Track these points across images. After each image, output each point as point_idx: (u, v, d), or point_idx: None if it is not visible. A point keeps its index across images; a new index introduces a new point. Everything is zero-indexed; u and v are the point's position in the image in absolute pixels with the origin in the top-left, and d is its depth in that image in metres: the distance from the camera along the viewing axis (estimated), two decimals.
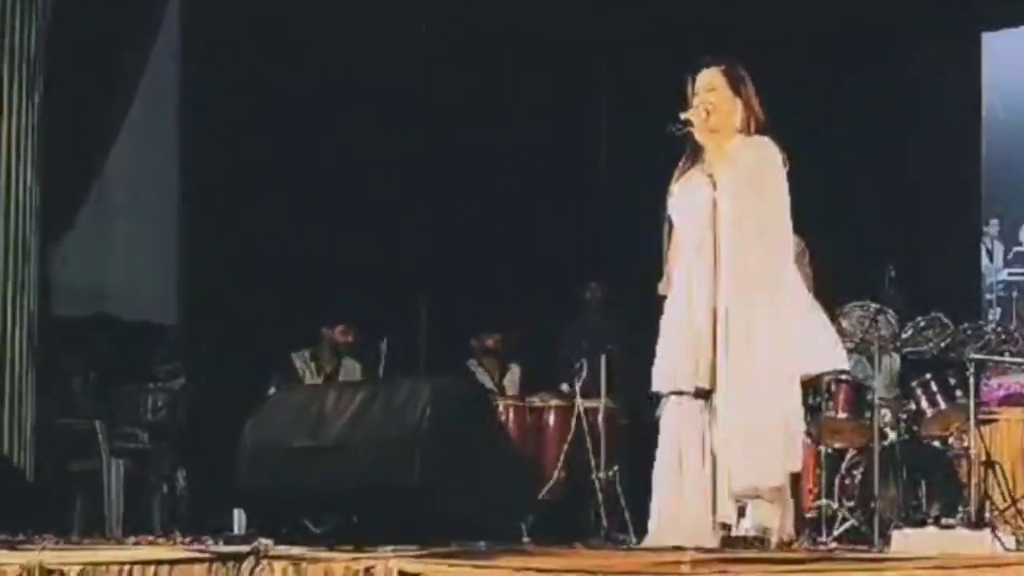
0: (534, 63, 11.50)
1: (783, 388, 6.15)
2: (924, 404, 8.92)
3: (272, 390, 9.34)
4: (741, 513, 6.04)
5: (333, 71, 11.08)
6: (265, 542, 5.43)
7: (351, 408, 7.09)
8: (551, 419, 9.66)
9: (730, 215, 6.16)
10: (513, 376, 10.75)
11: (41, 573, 5.48)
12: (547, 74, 11.53)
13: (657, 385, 6.32)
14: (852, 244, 10.23)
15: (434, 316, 10.97)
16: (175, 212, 11.10)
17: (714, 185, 6.21)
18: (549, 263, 11.32)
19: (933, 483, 8.67)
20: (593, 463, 9.14)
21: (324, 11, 10.83)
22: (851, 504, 8.62)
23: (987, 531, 6.94)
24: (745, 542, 5.90)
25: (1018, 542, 6.87)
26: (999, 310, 11.12)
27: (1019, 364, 9.19)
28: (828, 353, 6.32)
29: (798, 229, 6.36)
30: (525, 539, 7.54)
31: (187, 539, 6.46)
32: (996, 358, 8.95)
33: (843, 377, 8.98)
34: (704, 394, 6.18)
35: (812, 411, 8.41)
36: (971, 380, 8.60)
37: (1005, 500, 8.66)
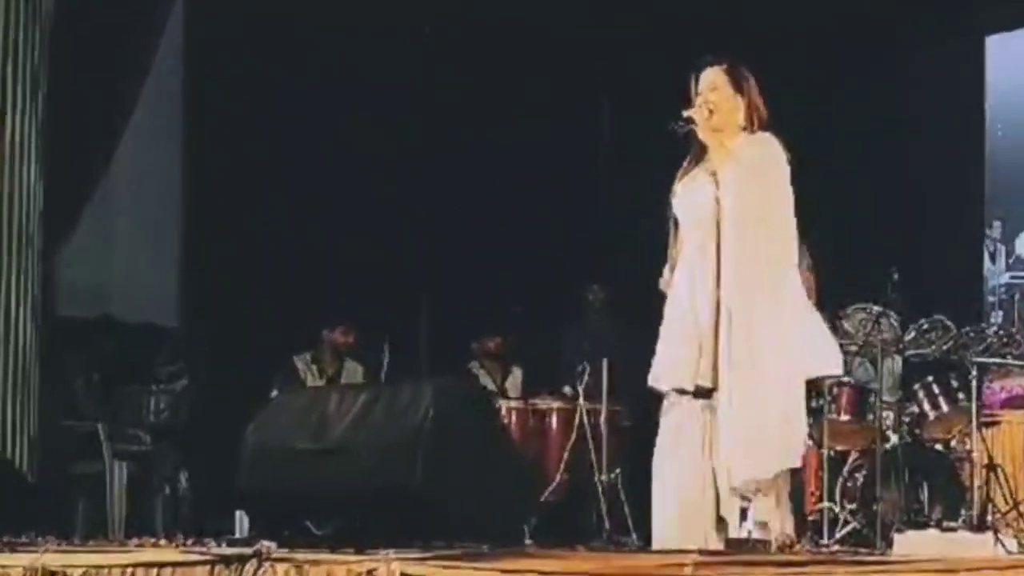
0: (534, 63, 11.49)
1: (784, 386, 6.16)
2: (926, 407, 8.93)
3: (274, 392, 9.35)
4: (743, 515, 6.04)
5: (333, 71, 11.08)
6: (267, 544, 5.44)
7: (353, 410, 7.09)
8: (553, 421, 9.66)
9: (733, 212, 6.17)
10: (515, 379, 10.75)
11: (43, 575, 5.49)
12: (547, 74, 11.52)
13: (657, 381, 6.32)
14: (854, 246, 10.23)
15: (436, 318, 10.99)
16: (178, 213, 11.11)
17: (717, 183, 6.22)
18: (550, 265, 11.32)
19: (935, 486, 8.67)
20: (595, 465, 9.14)
21: (324, 11, 10.82)
22: (853, 507, 8.62)
23: (989, 534, 6.92)
24: (747, 544, 5.90)
25: (1020, 545, 6.85)
26: (1001, 313, 11.12)
27: (1021, 367, 9.18)
28: (825, 357, 6.31)
29: (801, 235, 6.36)
30: (527, 541, 7.53)
31: (189, 541, 6.45)
32: (998, 361, 8.95)
33: (845, 380, 8.98)
34: (705, 392, 6.19)
35: (814, 413, 8.40)
36: (973, 383, 8.60)
37: (1007, 503, 8.66)
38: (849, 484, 8.75)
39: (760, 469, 6.09)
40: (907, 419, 8.90)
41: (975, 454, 8.59)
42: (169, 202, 11.07)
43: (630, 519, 8.71)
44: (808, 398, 6.56)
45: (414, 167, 11.41)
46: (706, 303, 6.19)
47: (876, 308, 8.57)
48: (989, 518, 8.37)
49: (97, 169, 9.94)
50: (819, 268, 7.98)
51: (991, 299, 11.29)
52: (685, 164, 6.40)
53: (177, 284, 11.07)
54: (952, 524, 8.09)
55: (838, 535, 8.38)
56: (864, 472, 8.70)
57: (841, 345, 8.66)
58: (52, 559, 5.54)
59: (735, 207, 6.17)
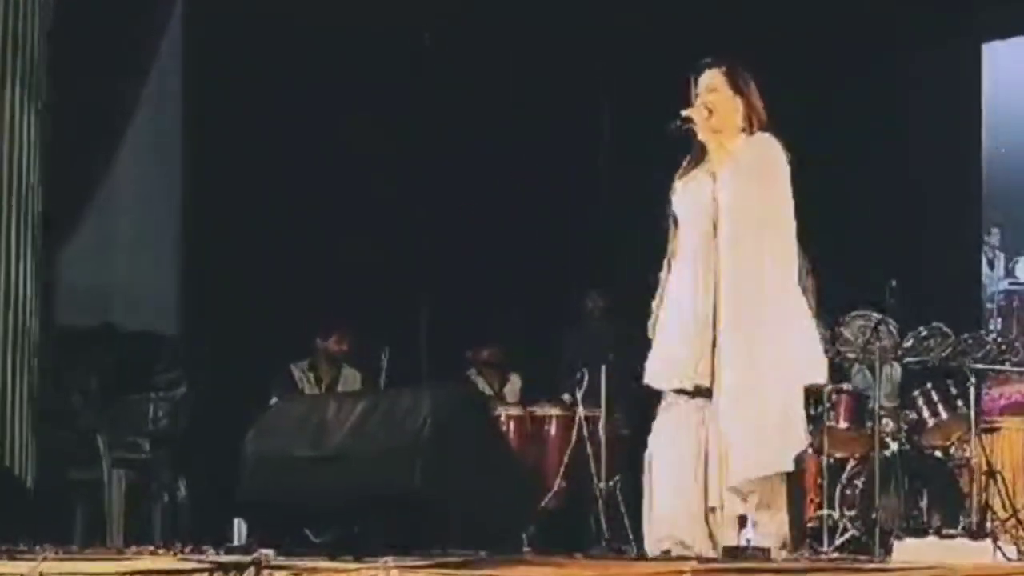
0: (534, 63, 11.48)
1: (781, 386, 6.16)
2: (925, 414, 8.94)
3: (273, 400, 9.34)
4: (742, 523, 6.03)
5: (333, 71, 11.07)
6: (266, 552, 5.43)
7: (352, 418, 7.09)
8: (552, 428, 9.64)
9: (732, 212, 6.18)
10: (513, 386, 10.75)
11: None
12: (547, 74, 11.51)
13: (654, 381, 6.32)
14: (853, 253, 10.23)
15: (435, 324, 10.97)
16: (177, 217, 11.09)
17: (717, 183, 6.23)
18: (550, 269, 11.31)
19: (934, 493, 8.67)
20: (594, 473, 9.13)
21: (324, 11, 10.82)
22: (852, 514, 8.62)
23: (988, 541, 6.92)
24: (746, 552, 5.90)
25: (1020, 552, 6.85)
26: (1000, 320, 11.12)
27: (1020, 373, 9.19)
28: (810, 364, 6.30)
29: (801, 239, 6.35)
30: (526, 548, 7.53)
31: (187, 549, 6.45)
32: (997, 367, 8.96)
33: (844, 387, 8.99)
34: (703, 392, 6.20)
35: (813, 421, 8.40)
36: (972, 390, 8.60)
37: (1006, 510, 8.66)
38: (848, 491, 8.75)
39: (758, 468, 6.09)
40: (906, 426, 8.91)
41: (974, 461, 8.59)
42: (169, 205, 11.05)
43: (629, 527, 8.70)
44: (807, 405, 6.56)
45: (414, 167, 11.41)
46: (704, 303, 6.19)
47: (875, 315, 8.58)
48: (988, 525, 8.37)
49: (97, 173, 9.93)
50: (819, 273, 7.97)
51: (989, 306, 11.29)
52: (685, 164, 6.41)
53: (177, 291, 11.05)
54: (951, 531, 8.09)
55: (837, 542, 8.39)
56: (863, 479, 8.70)
57: (840, 352, 8.72)
58: (50, 567, 5.54)
59: (734, 207, 6.18)
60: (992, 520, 8.51)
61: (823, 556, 7.85)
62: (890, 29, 11.14)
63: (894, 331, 8.62)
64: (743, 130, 6.33)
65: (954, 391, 8.87)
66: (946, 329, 8.77)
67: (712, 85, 6.35)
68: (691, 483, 6.18)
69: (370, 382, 10.15)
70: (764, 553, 5.89)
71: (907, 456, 8.75)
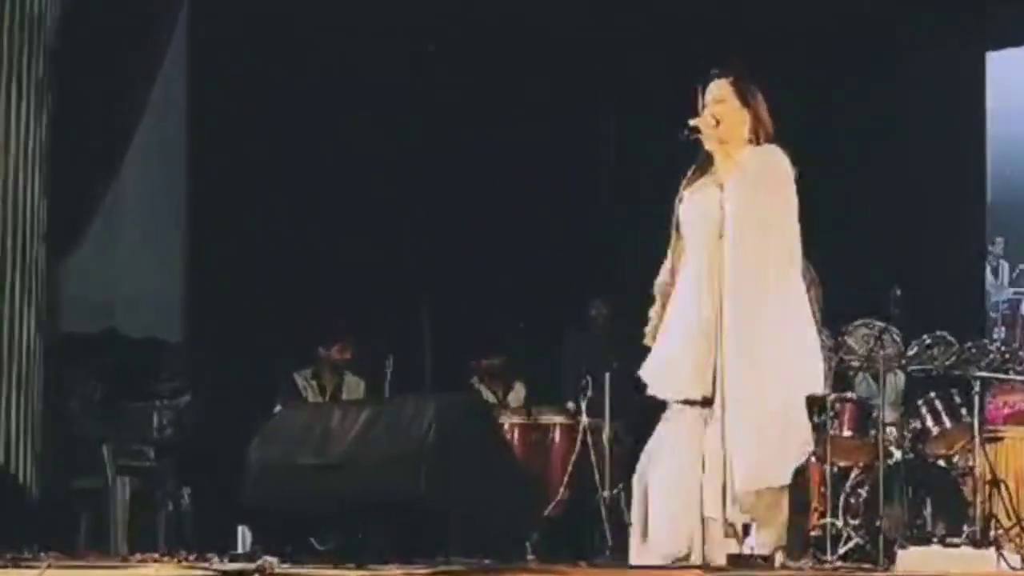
0: (534, 63, 11.47)
1: (784, 396, 6.16)
2: (929, 422, 8.93)
3: (278, 408, 9.34)
4: (746, 531, 6.03)
5: (333, 71, 11.08)
6: (270, 560, 5.44)
7: (356, 426, 7.11)
8: (556, 437, 9.64)
9: (738, 221, 6.18)
10: (517, 394, 10.74)
11: None
12: (547, 75, 11.51)
13: (659, 390, 6.32)
14: (857, 262, 10.22)
15: (438, 332, 10.97)
16: (182, 224, 11.10)
17: (723, 193, 6.24)
18: (553, 278, 11.32)
19: (938, 501, 8.66)
20: (598, 481, 9.13)
21: (324, 11, 10.83)
22: (856, 522, 8.61)
23: (992, 550, 6.93)
24: (750, 561, 5.90)
25: (1023, 560, 6.86)
26: (1004, 328, 11.12)
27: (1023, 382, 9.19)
28: (809, 375, 6.30)
29: (805, 249, 6.36)
30: (529, 557, 7.54)
31: (192, 557, 6.46)
32: (1001, 376, 8.95)
33: (848, 395, 8.99)
34: (708, 401, 6.20)
35: (817, 429, 8.39)
36: (976, 398, 8.60)
37: (1010, 519, 8.65)
38: (852, 500, 8.74)
39: (759, 481, 6.08)
40: (910, 435, 8.90)
41: (978, 470, 8.58)
42: (172, 213, 11.06)
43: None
44: (810, 414, 6.56)
45: (414, 167, 11.41)
46: (708, 312, 6.20)
47: (879, 324, 8.57)
48: (992, 534, 8.36)
49: (102, 182, 9.94)
50: (823, 283, 7.97)
51: (993, 315, 11.30)
52: (690, 173, 6.42)
53: (180, 298, 11.06)
54: (955, 540, 8.07)
55: (841, 551, 8.37)
56: (867, 488, 8.69)
57: (844, 360, 8.71)
58: (54, 574, 5.54)
59: (740, 216, 6.19)
60: (996, 529, 8.50)
61: (827, 565, 7.85)
62: (890, 29, 11.12)
63: (898, 340, 8.61)
64: (749, 141, 6.34)
65: (958, 400, 8.86)
66: (950, 338, 8.76)
67: (719, 96, 6.36)
68: (688, 492, 6.18)
69: (373, 390, 10.15)
70: (767, 561, 5.89)
71: (911, 465, 8.74)
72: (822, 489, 8.68)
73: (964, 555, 6.95)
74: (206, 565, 5.66)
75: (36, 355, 9.06)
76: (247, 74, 10.85)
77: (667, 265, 6.44)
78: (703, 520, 6.12)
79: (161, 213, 11.02)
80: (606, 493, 9.09)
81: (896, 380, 9.36)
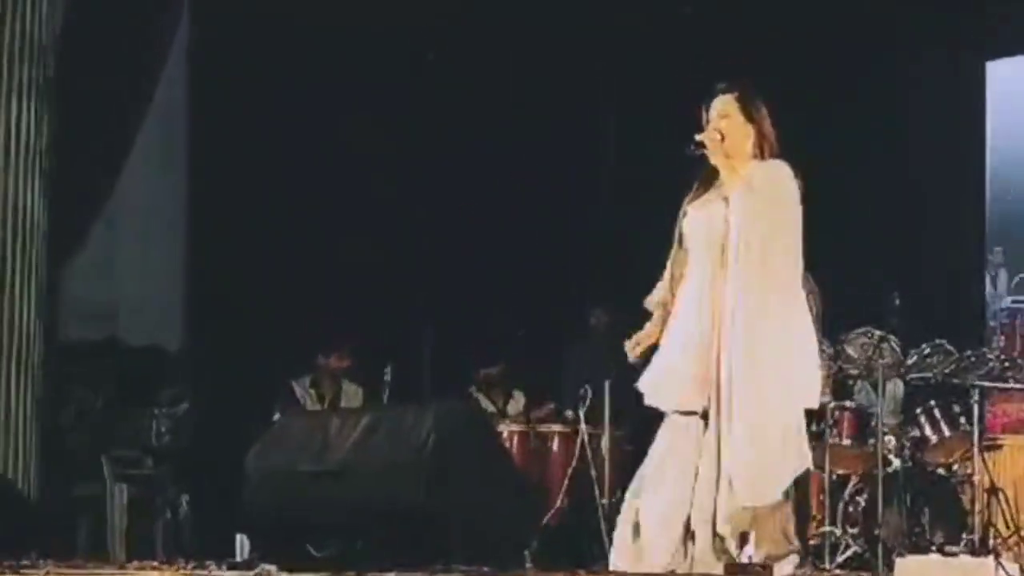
0: (534, 63, 11.47)
1: (782, 411, 6.16)
2: (928, 431, 8.92)
3: (277, 415, 9.34)
4: (744, 540, 6.03)
5: (333, 71, 11.08)
6: (268, 567, 5.44)
7: (355, 433, 7.10)
8: (555, 445, 9.64)
9: (743, 233, 6.20)
10: (517, 403, 10.74)
11: None
12: (548, 75, 11.51)
13: (658, 401, 6.33)
14: (856, 271, 10.22)
15: (438, 339, 10.97)
16: (182, 234, 11.10)
17: (728, 206, 6.26)
18: (553, 286, 11.31)
19: (937, 510, 8.66)
20: (597, 489, 9.12)
21: (324, 11, 10.83)
22: (854, 531, 8.61)
23: (991, 558, 6.91)
24: (748, 570, 5.90)
25: (1022, 569, 6.85)
26: (1002, 337, 11.11)
27: (1023, 391, 9.19)
28: (807, 390, 6.31)
29: (807, 266, 6.37)
30: (528, 565, 7.53)
31: (190, 564, 6.45)
32: (1000, 385, 8.95)
33: (847, 404, 8.99)
34: (704, 414, 6.21)
35: (816, 437, 8.40)
36: (975, 407, 8.60)
37: (1009, 527, 8.66)
38: (850, 508, 8.74)
39: (754, 497, 6.09)
40: (908, 443, 8.90)
41: (976, 478, 8.59)
42: (173, 220, 11.06)
43: None
44: (809, 422, 6.56)
45: (414, 168, 11.41)
46: (711, 325, 6.21)
47: (878, 332, 8.57)
48: (991, 542, 8.37)
49: (103, 184, 9.94)
50: (823, 295, 7.97)
51: (992, 323, 11.29)
52: (696, 187, 6.44)
53: (180, 305, 11.05)
54: (953, 548, 8.08)
55: (839, 559, 8.37)
56: (865, 496, 8.69)
57: (843, 369, 8.72)
58: None
59: (745, 230, 6.21)
60: (994, 537, 8.50)
61: (825, 573, 7.85)
62: (890, 29, 11.12)
63: (897, 348, 8.61)
64: (754, 156, 6.36)
65: (957, 408, 8.86)
66: (949, 346, 8.76)
67: (724, 111, 6.38)
68: (679, 504, 6.18)
69: (372, 398, 10.15)
70: (766, 570, 5.89)
71: (910, 473, 8.74)
72: (821, 497, 8.68)
73: (962, 564, 6.94)
74: (204, 573, 5.66)
75: (35, 361, 9.05)
76: (248, 75, 10.85)
77: (664, 282, 6.46)
78: (693, 532, 6.13)
79: (162, 220, 11.02)
80: (605, 501, 9.09)
81: (895, 389, 9.36)
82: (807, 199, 6.34)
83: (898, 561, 6.88)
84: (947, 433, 8.88)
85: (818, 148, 9.90)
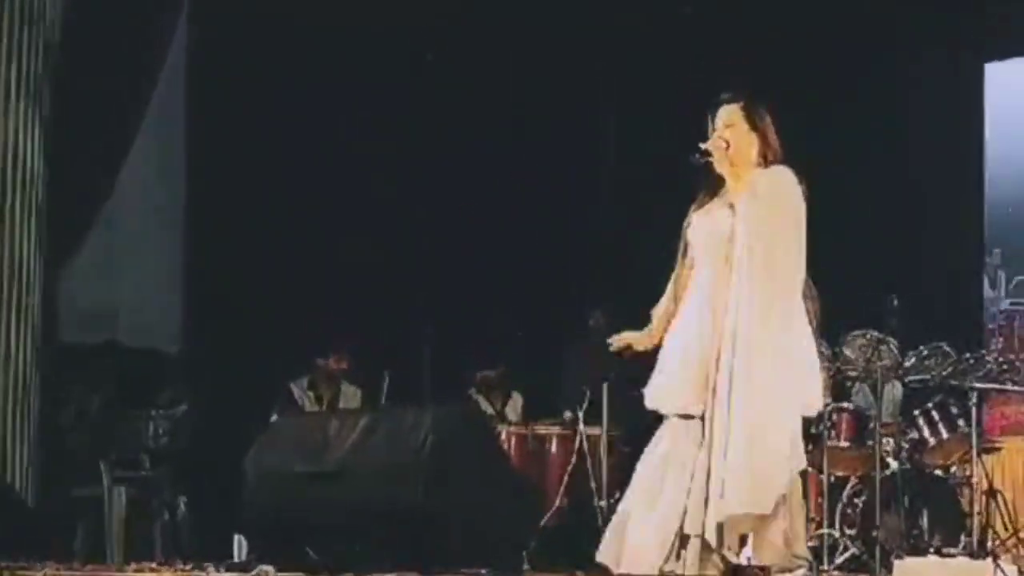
0: (534, 63, 11.47)
1: (780, 419, 6.17)
2: (926, 433, 8.92)
3: (275, 417, 9.34)
4: (743, 542, 6.04)
5: (333, 71, 11.07)
6: (266, 569, 5.44)
7: (353, 435, 7.10)
8: (553, 446, 9.65)
9: (748, 241, 6.24)
10: (515, 404, 10.75)
11: None
12: (548, 75, 11.50)
13: (660, 404, 6.35)
14: (854, 272, 10.22)
15: (436, 341, 10.97)
16: (180, 236, 11.09)
17: (734, 212, 6.30)
18: (552, 288, 11.31)
19: (935, 512, 8.66)
20: (595, 490, 9.13)
21: (324, 11, 10.83)
22: (853, 533, 8.61)
23: (989, 560, 6.92)
24: (747, 571, 5.90)
25: (1020, 571, 6.85)
26: (1001, 339, 11.11)
27: (1021, 393, 9.18)
28: (807, 397, 6.32)
29: (807, 267, 6.39)
30: (526, 566, 7.53)
31: (188, 566, 6.46)
32: (998, 387, 8.95)
33: (845, 406, 8.99)
34: (703, 418, 6.22)
35: (814, 439, 8.40)
36: (973, 409, 8.60)
37: (1007, 529, 8.66)
38: (849, 510, 8.74)
39: (749, 505, 6.10)
40: (907, 445, 8.90)
41: (975, 480, 8.59)
42: (171, 222, 11.05)
43: None
44: (807, 424, 6.57)
45: (414, 168, 11.40)
46: (714, 330, 6.24)
47: (876, 334, 8.57)
48: (989, 544, 8.36)
49: (101, 189, 9.94)
50: (820, 299, 7.97)
51: (991, 325, 11.28)
52: (701, 195, 6.50)
53: (178, 308, 11.05)
54: (952, 550, 8.08)
55: (838, 561, 8.37)
56: (864, 498, 8.69)
57: (841, 371, 8.71)
58: None
59: (751, 235, 6.25)
60: (993, 539, 8.50)
61: (824, 575, 7.85)
62: (890, 29, 11.11)
63: (895, 350, 8.61)
64: (758, 163, 6.42)
65: (955, 410, 8.86)
66: (947, 348, 8.76)
67: (730, 120, 6.46)
68: (672, 507, 6.19)
69: (370, 400, 10.15)
70: (764, 572, 5.89)
71: (908, 475, 8.74)
72: (819, 499, 8.69)
73: (961, 566, 6.95)
74: (203, 574, 5.66)
75: (34, 364, 9.05)
76: (247, 75, 10.85)
77: (668, 294, 6.50)
78: (684, 537, 6.14)
79: (161, 223, 11.02)
80: (603, 502, 9.09)
81: (893, 390, 9.35)
82: (806, 200, 6.36)
83: (896, 563, 6.89)
84: (945, 435, 8.88)
85: (818, 148, 9.91)
